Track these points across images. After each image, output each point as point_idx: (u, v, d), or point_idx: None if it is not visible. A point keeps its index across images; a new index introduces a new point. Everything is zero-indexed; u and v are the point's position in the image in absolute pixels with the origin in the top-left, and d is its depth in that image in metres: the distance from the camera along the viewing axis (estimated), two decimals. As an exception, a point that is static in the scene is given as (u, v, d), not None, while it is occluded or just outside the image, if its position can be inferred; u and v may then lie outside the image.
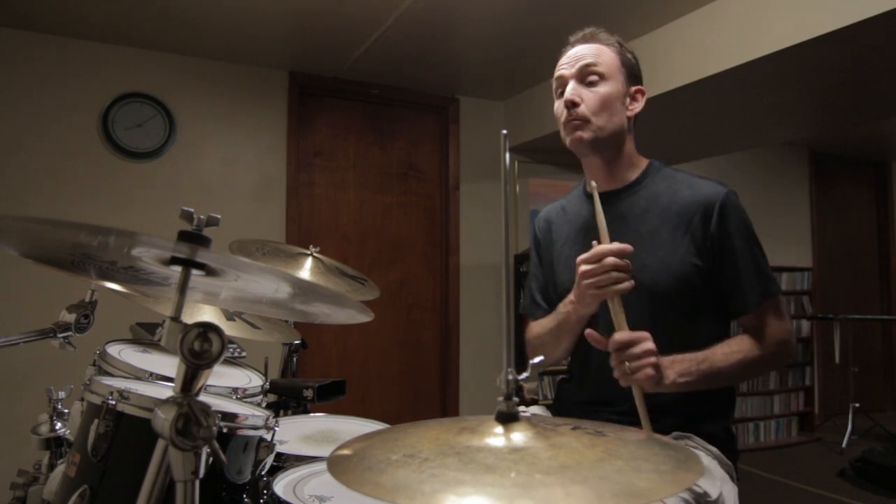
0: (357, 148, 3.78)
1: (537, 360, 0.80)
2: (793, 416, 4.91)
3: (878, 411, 5.31)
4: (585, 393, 1.37)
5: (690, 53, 2.78)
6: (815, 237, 5.43)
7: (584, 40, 1.36)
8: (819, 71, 2.67)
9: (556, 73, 1.36)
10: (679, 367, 1.16)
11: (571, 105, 1.30)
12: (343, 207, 3.73)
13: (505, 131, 0.73)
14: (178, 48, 3.23)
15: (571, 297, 1.28)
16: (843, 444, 4.39)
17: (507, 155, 0.71)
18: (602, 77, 1.31)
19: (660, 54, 2.89)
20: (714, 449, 1.23)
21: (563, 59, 1.36)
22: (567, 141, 1.34)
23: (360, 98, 3.76)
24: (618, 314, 1.15)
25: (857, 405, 4.55)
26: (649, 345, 1.11)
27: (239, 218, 3.31)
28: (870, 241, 5.91)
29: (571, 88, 1.31)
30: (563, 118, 1.33)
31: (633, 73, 1.36)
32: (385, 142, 3.86)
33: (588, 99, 1.30)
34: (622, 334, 1.12)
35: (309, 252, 2.07)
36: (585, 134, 1.30)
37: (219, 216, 0.81)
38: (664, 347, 1.22)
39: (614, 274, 1.15)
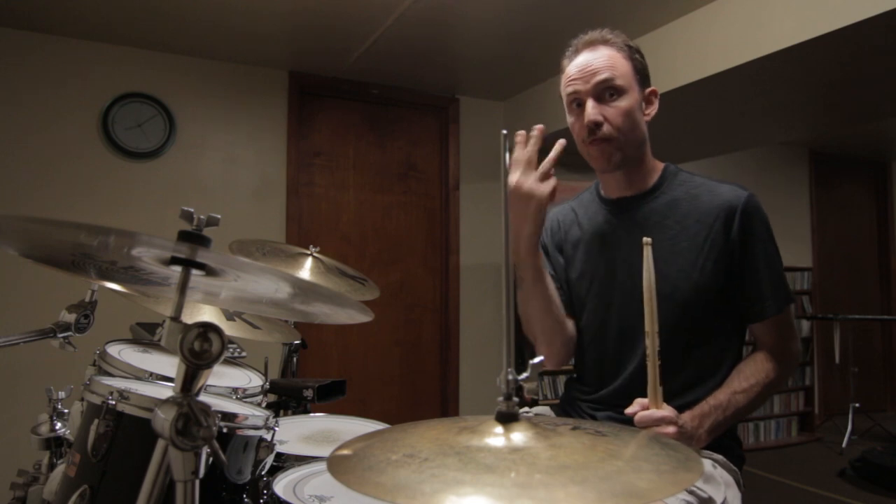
0: (357, 148, 3.78)
1: (537, 360, 0.80)
2: (793, 416, 4.91)
3: (878, 411, 5.31)
4: (604, 392, 1.35)
5: (690, 53, 2.78)
6: (815, 237, 5.43)
7: (592, 46, 1.28)
8: (819, 71, 2.67)
9: (570, 88, 1.29)
10: (707, 422, 1.17)
11: (595, 126, 1.25)
12: (343, 207, 3.73)
13: (505, 131, 0.73)
14: (178, 48, 3.23)
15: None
16: (843, 444, 4.39)
17: (507, 155, 0.71)
18: (619, 91, 1.25)
19: (660, 54, 2.89)
20: (719, 456, 1.22)
21: (574, 70, 1.28)
22: (595, 163, 1.31)
23: (360, 98, 3.76)
24: (653, 306, 1.17)
25: (857, 405, 4.55)
26: (671, 429, 1.10)
27: (239, 218, 3.32)
28: (870, 241, 5.91)
29: (592, 108, 1.25)
30: (584, 137, 1.28)
31: (645, 76, 1.31)
32: (385, 142, 3.86)
33: (611, 116, 1.25)
34: (643, 416, 1.11)
35: (309, 252, 2.07)
36: (615, 156, 1.27)
37: (219, 216, 0.81)
38: (680, 356, 1.24)
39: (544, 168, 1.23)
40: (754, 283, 1.24)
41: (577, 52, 1.31)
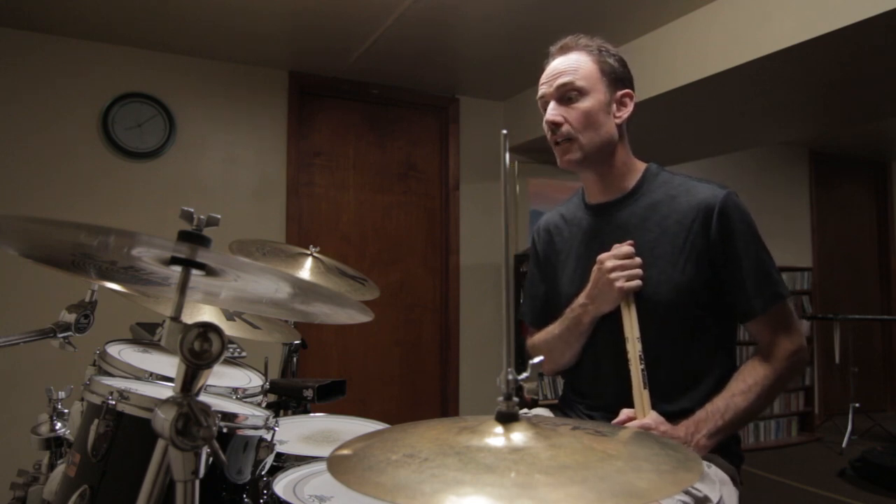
0: (357, 148, 3.78)
1: (537, 360, 0.80)
2: (793, 416, 4.91)
3: (878, 411, 5.31)
4: (600, 401, 1.35)
5: (690, 53, 2.78)
6: (815, 237, 5.43)
7: (562, 52, 1.33)
8: (819, 71, 2.67)
9: (539, 91, 1.34)
10: (705, 427, 1.17)
11: (554, 126, 1.29)
12: (343, 207, 3.73)
13: (505, 131, 0.73)
14: (178, 48, 3.23)
15: (583, 299, 1.30)
16: (843, 444, 4.39)
17: (507, 155, 0.71)
18: (581, 92, 1.28)
19: (660, 54, 2.89)
20: (714, 455, 1.22)
21: (544, 76, 1.34)
22: (559, 162, 1.34)
23: (360, 98, 3.76)
24: (631, 312, 1.22)
25: (857, 405, 4.55)
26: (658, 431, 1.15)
27: (239, 218, 3.32)
28: (870, 241, 5.91)
29: (552, 109, 1.30)
30: (549, 138, 1.33)
31: (616, 79, 1.32)
32: (385, 142, 3.86)
33: (570, 117, 1.28)
34: (634, 425, 1.15)
35: (309, 252, 2.07)
36: (574, 155, 1.30)
37: (219, 216, 0.81)
38: (668, 357, 1.23)
39: (638, 271, 1.23)
40: (738, 283, 1.23)
41: (552, 57, 1.35)
